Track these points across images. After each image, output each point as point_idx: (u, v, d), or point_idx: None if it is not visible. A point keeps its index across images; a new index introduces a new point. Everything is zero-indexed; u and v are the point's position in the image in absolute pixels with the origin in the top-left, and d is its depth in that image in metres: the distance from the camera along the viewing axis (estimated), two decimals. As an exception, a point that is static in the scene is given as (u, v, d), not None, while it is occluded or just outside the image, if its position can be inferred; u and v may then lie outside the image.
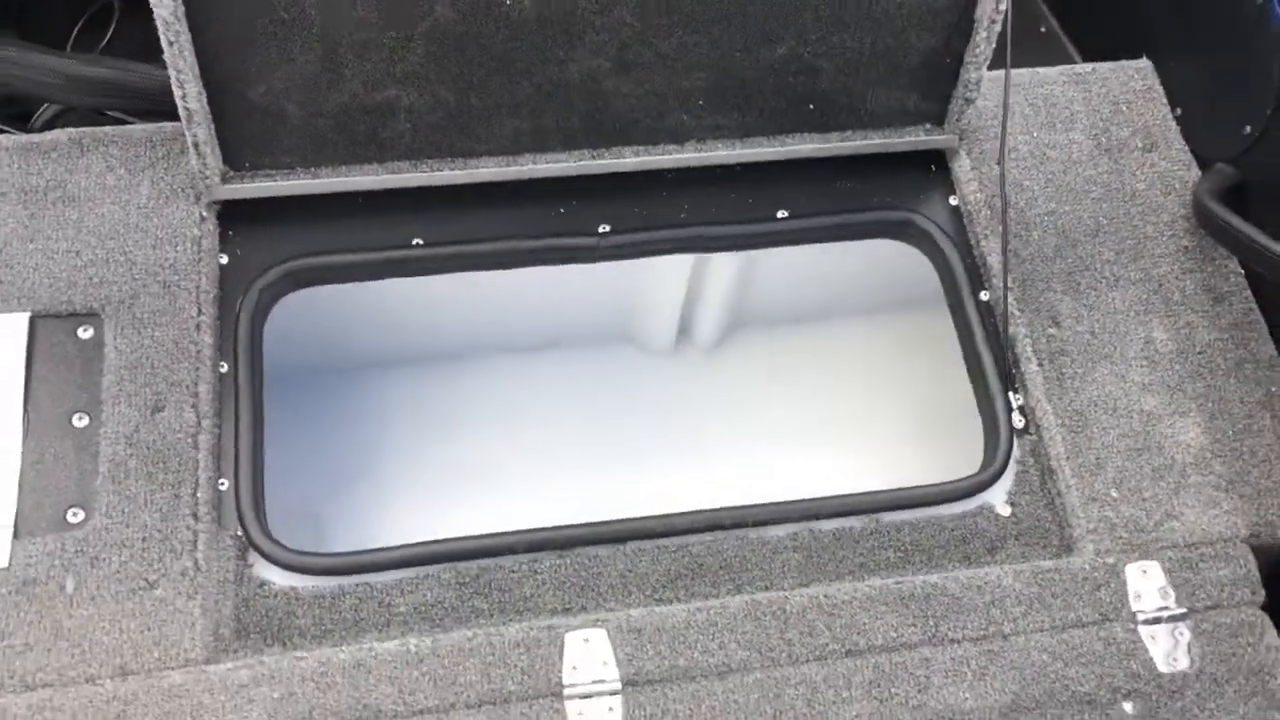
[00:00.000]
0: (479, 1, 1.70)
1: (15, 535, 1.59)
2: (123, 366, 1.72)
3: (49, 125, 1.97)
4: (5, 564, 1.57)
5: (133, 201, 1.85)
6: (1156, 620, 1.69)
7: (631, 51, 1.81)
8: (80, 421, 1.68)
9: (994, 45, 1.89)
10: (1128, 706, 1.63)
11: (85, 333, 1.74)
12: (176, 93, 1.71)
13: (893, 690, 1.60)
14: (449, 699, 1.54)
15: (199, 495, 1.65)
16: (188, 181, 1.86)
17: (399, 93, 1.80)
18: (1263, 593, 1.73)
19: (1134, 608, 1.69)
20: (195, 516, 1.63)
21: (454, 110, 1.83)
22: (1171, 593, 1.71)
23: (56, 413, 1.68)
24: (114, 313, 1.76)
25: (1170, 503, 1.78)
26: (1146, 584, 1.72)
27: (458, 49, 1.75)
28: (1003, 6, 1.84)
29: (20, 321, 1.73)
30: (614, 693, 1.57)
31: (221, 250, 1.86)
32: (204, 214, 1.85)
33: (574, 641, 1.60)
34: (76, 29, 2.06)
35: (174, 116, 1.89)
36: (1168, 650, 1.67)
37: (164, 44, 1.65)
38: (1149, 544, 1.74)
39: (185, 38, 1.64)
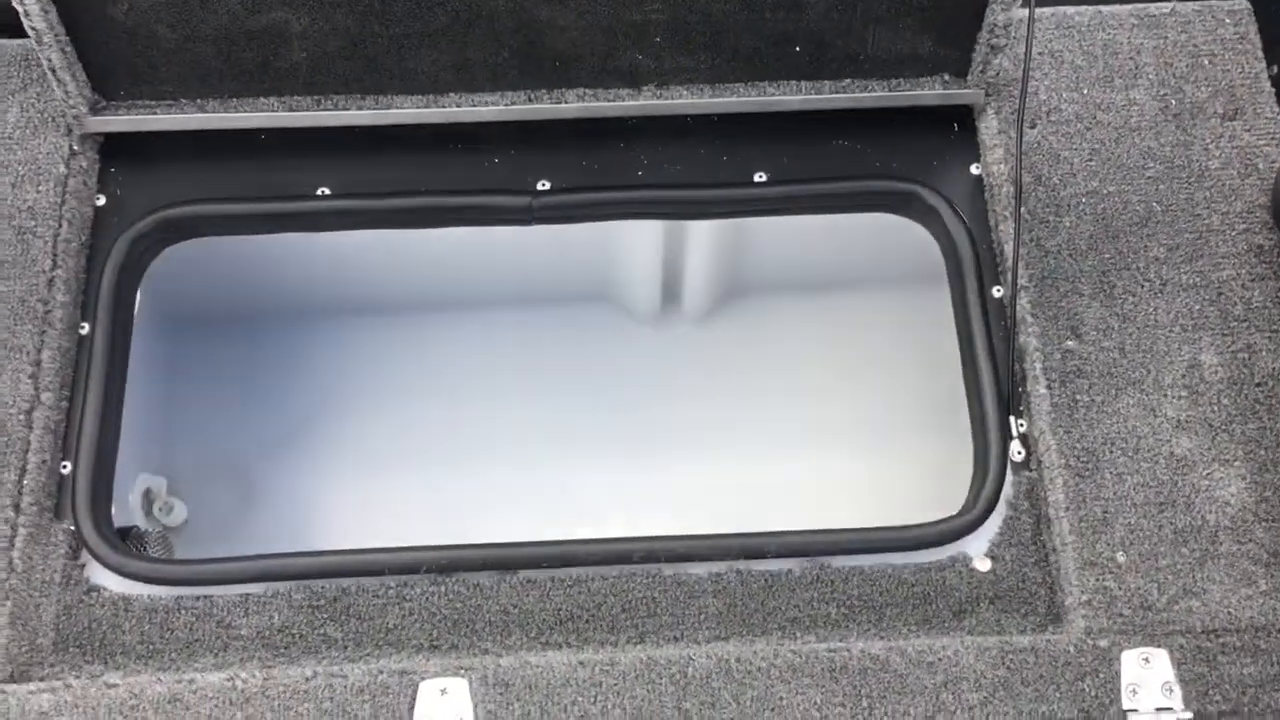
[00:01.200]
0: None
1: None
2: None
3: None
4: None
5: (2, 127, 1.62)
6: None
7: None
8: None
9: None
10: (1102, 831, 1.33)
11: None
12: (17, 8, 1.45)
13: None
14: None
15: (25, 482, 1.44)
16: (59, 110, 1.62)
17: (287, 15, 1.52)
18: None
19: (1126, 705, 1.37)
20: (17, 508, 1.43)
21: (356, 38, 1.55)
22: (1178, 690, 1.38)
23: None
24: None
25: (1192, 575, 1.43)
26: (1147, 676, 1.39)
27: None
28: None
29: None
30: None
31: (100, 191, 1.63)
32: (75, 148, 1.62)
33: (429, 691, 1.36)
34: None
35: None
36: (1157, 754, 1.36)
37: None
38: (1156, 626, 1.41)
39: None
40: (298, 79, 1.60)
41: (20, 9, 1.45)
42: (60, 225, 1.57)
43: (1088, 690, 1.37)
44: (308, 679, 1.36)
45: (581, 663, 1.37)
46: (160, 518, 1.82)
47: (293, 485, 1.84)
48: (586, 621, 1.43)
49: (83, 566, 1.44)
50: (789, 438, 1.84)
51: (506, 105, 1.63)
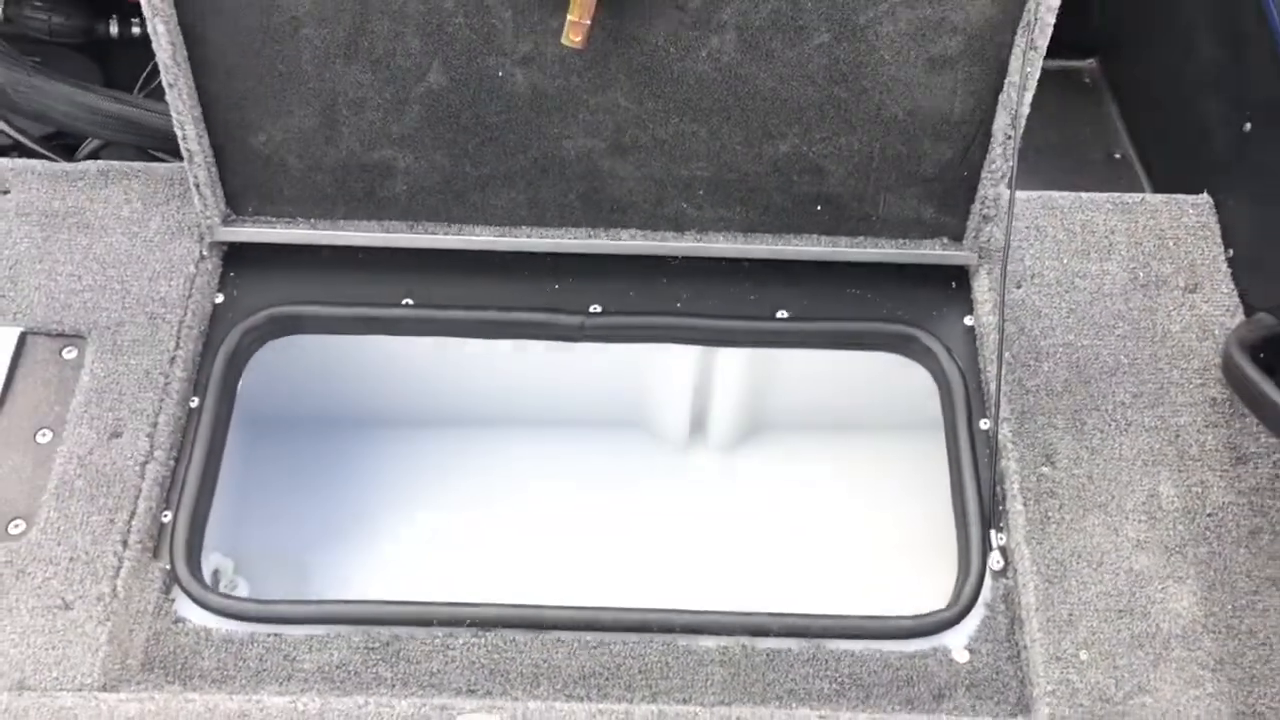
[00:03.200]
0: (472, 71, 1.72)
1: (-46, 538, 1.65)
2: (93, 389, 1.77)
3: (93, 156, 2.07)
4: None
5: (140, 235, 1.92)
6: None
7: (628, 135, 1.79)
8: (43, 438, 1.74)
9: (1012, 162, 1.79)
10: None
11: (69, 353, 1.81)
12: (178, 133, 1.77)
13: None
14: None
15: (134, 524, 1.67)
16: (195, 221, 1.92)
17: (395, 154, 1.82)
18: None
19: (1082, 795, 1.53)
20: (124, 544, 1.65)
21: (449, 176, 1.85)
22: None
23: (24, 427, 1.74)
24: (98, 337, 1.82)
25: (1146, 675, 1.61)
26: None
27: (451, 116, 1.77)
28: (1020, 123, 1.74)
29: (11, 336, 1.81)
30: (500, 784, 1.50)
31: (220, 290, 1.91)
32: (204, 253, 1.91)
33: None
34: (145, 72, 2.18)
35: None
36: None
37: (165, 86, 1.72)
38: (1114, 717, 1.58)
39: (184, 81, 1.71)
40: (396, 207, 1.89)
41: (180, 133, 1.77)
42: (185, 314, 1.85)
43: None
44: (360, 707, 1.54)
45: (600, 711, 1.56)
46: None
47: (346, 577, 2.05)
48: (606, 679, 1.61)
49: (173, 601, 1.65)
50: (798, 538, 2.06)
51: (569, 239, 1.92)
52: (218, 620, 1.64)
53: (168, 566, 1.67)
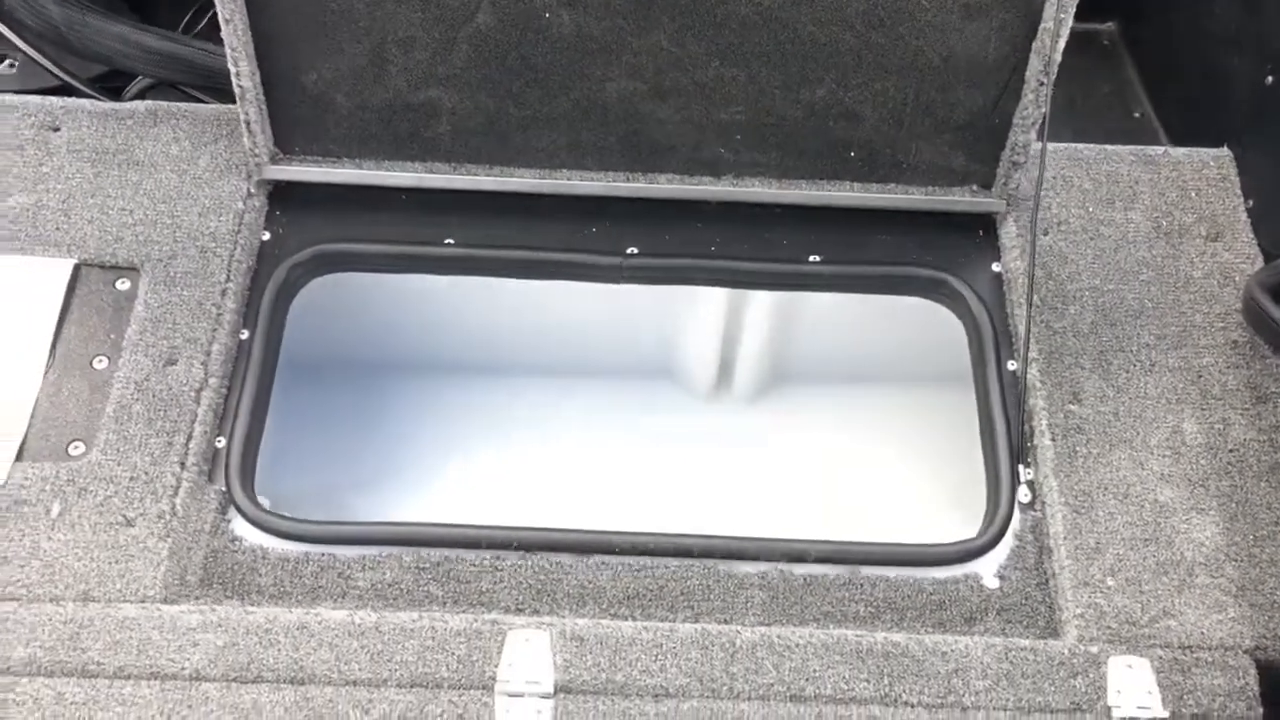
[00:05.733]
0: (520, 12, 1.76)
1: (18, 458, 1.69)
2: (147, 319, 1.82)
3: (139, 97, 2.11)
4: (2, 481, 1.67)
5: (189, 172, 1.97)
6: (1135, 722, 1.58)
7: (669, 78, 1.84)
8: (100, 364, 1.78)
9: (1045, 108, 1.84)
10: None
11: (122, 284, 1.85)
12: (231, 70, 1.82)
13: None
14: (382, 675, 1.55)
15: (190, 446, 1.72)
16: (241, 160, 1.97)
17: (441, 94, 1.87)
18: (1260, 710, 1.60)
19: (1111, 703, 1.59)
20: (182, 465, 1.70)
21: (492, 117, 1.89)
22: (1157, 694, 1.60)
23: (81, 354, 1.79)
24: (151, 269, 1.86)
25: (1170, 600, 1.67)
26: (1131, 680, 1.61)
27: (498, 56, 1.82)
28: (1053, 70, 1.80)
29: (66, 267, 1.85)
30: (545, 696, 1.55)
31: (266, 227, 1.96)
32: (252, 190, 1.95)
33: (515, 640, 1.59)
34: (189, 14, 2.22)
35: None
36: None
37: (221, 22, 1.76)
38: (1140, 639, 1.64)
39: (241, 16, 1.75)
40: (440, 148, 1.94)
41: (233, 69, 1.82)
42: (235, 249, 1.89)
43: (1078, 686, 1.59)
44: (414, 621, 1.59)
45: (645, 628, 1.61)
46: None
47: (392, 507, 2.08)
48: (649, 601, 1.67)
49: (229, 521, 1.70)
50: (831, 474, 2.12)
51: (609, 183, 1.96)
52: (273, 540, 1.69)
53: (223, 489, 1.72)
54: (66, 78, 2.09)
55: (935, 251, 2.00)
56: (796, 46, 1.81)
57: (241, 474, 1.73)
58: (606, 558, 1.70)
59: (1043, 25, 1.77)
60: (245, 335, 1.85)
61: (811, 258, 1.99)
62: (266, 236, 1.95)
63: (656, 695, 1.56)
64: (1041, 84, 1.81)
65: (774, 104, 1.87)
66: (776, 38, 1.80)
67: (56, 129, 2.00)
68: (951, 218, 2.02)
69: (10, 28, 2.02)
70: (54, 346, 1.79)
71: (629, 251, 1.98)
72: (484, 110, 1.89)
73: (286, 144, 1.94)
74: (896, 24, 1.79)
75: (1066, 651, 1.61)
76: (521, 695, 1.55)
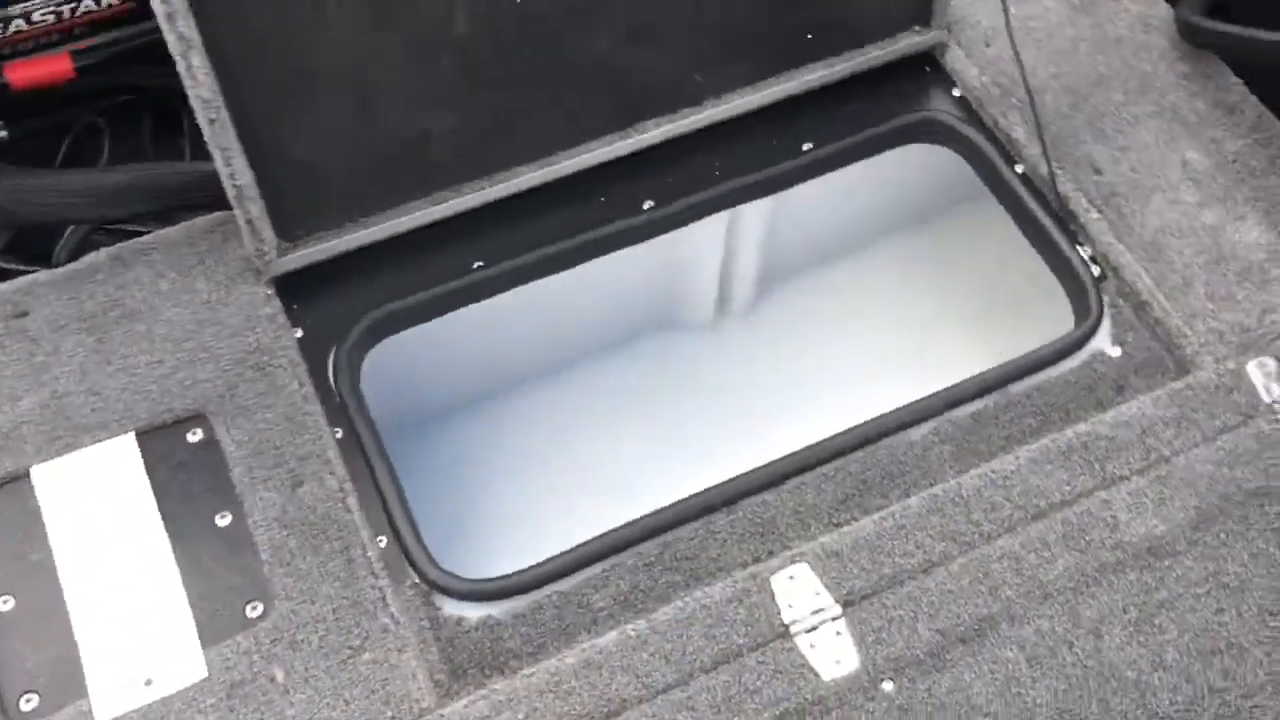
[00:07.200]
0: (493, 3, 1.71)
1: (203, 645, 1.53)
2: (247, 456, 1.67)
3: (79, 252, 1.90)
4: (205, 674, 1.51)
5: (195, 299, 1.81)
6: (1293, 406, 1.76)
7: (639, 17, 1.83)
8: (223, 520, 1.63)
9: None
10: (1298, 484, 1.70)
11: (194, 436, 1.69)
12: (224, 173, 1.68)
13: (1087, 538, 1.64)
14: (685, 670, 1.53)
15: (369, 554, 1.61)
16: (243, 264, 1.83)
17: (433, 119, 1.79)
18: None
19: (1268, 399, 1.76)
20: (374, 574, 1.59)
21: (488, 124, 1.84)
22: None
23: (198, 519, 1.63)
24: (218, 408, 1.71)
25: (1262, 298, 1.85)
26: (1270, 375, 1.78)
27: (482, 58, 1.76)
28: None
29: (128, 443, 1.67)
30: (835, 617, 1.57)
31: (295, 325, 1.83)
32: (269, 292, 1.82)
33: (781, 581, 1.60)
34: (62, 152, 2.01)
35: (201, 209, 1.87)
36: (1311, 425, 1.74)
37: (204, 125, 1.62)
38: (1259, 340, 1.81)
39: (223, 113, 1.62)
40: (442, 175, 1.86)
41: (226, 172, 1.67)
42: (290, 353, 1.76)
43: (1238, 400, 1.74)
44: (682, 609, 1.57)
45: (881, 519, 1.65)
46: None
47: (545, 534, 1.97)
48: (861, 496, 1.70)
49: (440, 609, 1.61)
50: (907, 324, 2.23)
51: (607, 147, 1.94)
52: (494, 606, 1.61)
53: (417, 580, 1.62)
54: None
55: (905, 100, 2.10)
56: None
57: (425, 559, 1.63)
58: (801, 478, 1.72)
59: None
60: (339, 433, 1.73)
61: (804, 146, 2.05)
62: (300, 334, 1.82)
63: (926, 569, 1.61)
64: None
65: (739, 13, 1.90)
66: None
67: (24, 314, 1.78)
68: (905, 65, 2.11)
69: None
70: (165, 525, 1.62)
71: (646, 206, 1.97)
72: (478, 120, 1.82)
73: (288, 232, 1.81)
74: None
75: (1214, 376, 1.77)
76: (815, 627, 1.57)
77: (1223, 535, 1.66)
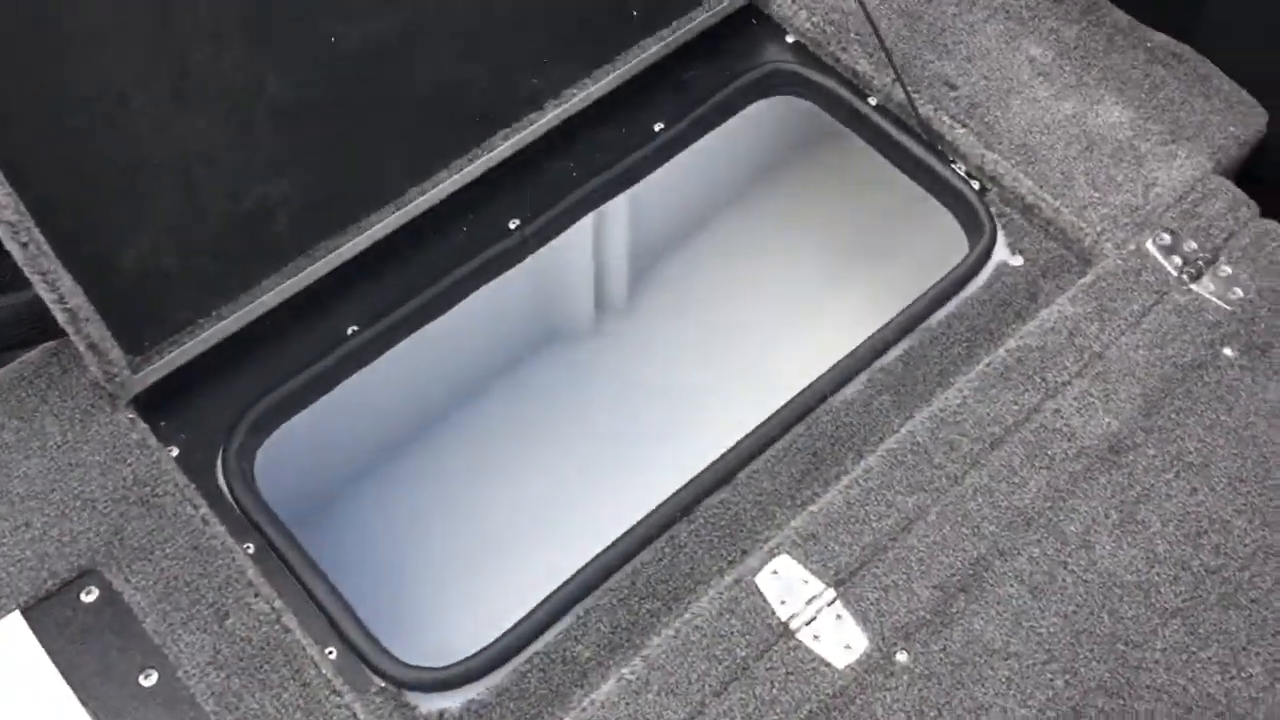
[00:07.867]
0: (305, 53, 1.56)
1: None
2: (156, 602, 1.49)
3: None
4: None
5: (47, 445, 1.60)
6: (1199, 273, 1.76)
7: (464, 28, 1.70)
8: (148, 679, 1.44)
9: None
10: (1227, 352, 1.70)
11: (89, 595, 1.49)
12: (49, 298, 1.48)
13: (1049, 453, 1.60)
14: (696, 700, 1.42)
15: (323, 670, 1.45)
16: (93, 392, 1.63)
17: (266, 188, 1.62)
18: (1256, 206, 1.83)
19: (1174, 272, 1.76)
20: (334, 690, 1.43)
21: (328, 177, 1.68)
22: (1193, 243, 1.78)
23: (117, 685, 1.44)
24: (107, 558, 1.51)
25: (1141, 174, 1.85)
26: (1171, 248, 1.78)
27: (303, 111, 1.60)
28: None
29: (15, 623, 1.46)
30: (831, 601, 1.49)
31: (167, 444, 1.64)
32: (130, 415, 1.63)
33: (766, 579, 1.51)
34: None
35: (18, 346, 1.67)
36: (1219, 293, 1.75)
37: (16, 250, 1.42)
38: (1150, 216, 1.81)
39: (37, 231, 1.42)
40: (289, 247, 1.69)
41: (52, 297, 1.47)
42: (175, 477, 1.58)
43: (1149, 279, 1.74)
44: (675, 634, 1.47)
45: (846, 489, 1.57)
46: None
47: (504, 595, 1.83)
48: (816, 469, 1.62)
49: (415, 708, 1.46)
50: (815, 283, 2.14)
51: (457, 174, 1.81)
52: (474, 688, 1.47)
53: (383, 685, 1.47)
54: None
55: (741, 58, 2.03)
56: None
57: (385, 659, 1.48)
58: (751, 467, 1.63)
59: None
60: (250, 548, 1.56)
61: (656, 126, 1.95)
62: (176, 452, 1.64)
63: (905, 526, 1.55)
64: None
65: (565, 5, 1.79)
66: None
67: None
68: (732, 24, 2.04)
69: None
70: (84, 703, 1.42)
71: (511, 225, 1.85)
72: (315, 177, 1.66)
73: (137, 344, 1.62)
74: None
75: (1120, 262, 1.76)
76: (815, 617, 1.48)
77: (1174, 415, 1.64)
